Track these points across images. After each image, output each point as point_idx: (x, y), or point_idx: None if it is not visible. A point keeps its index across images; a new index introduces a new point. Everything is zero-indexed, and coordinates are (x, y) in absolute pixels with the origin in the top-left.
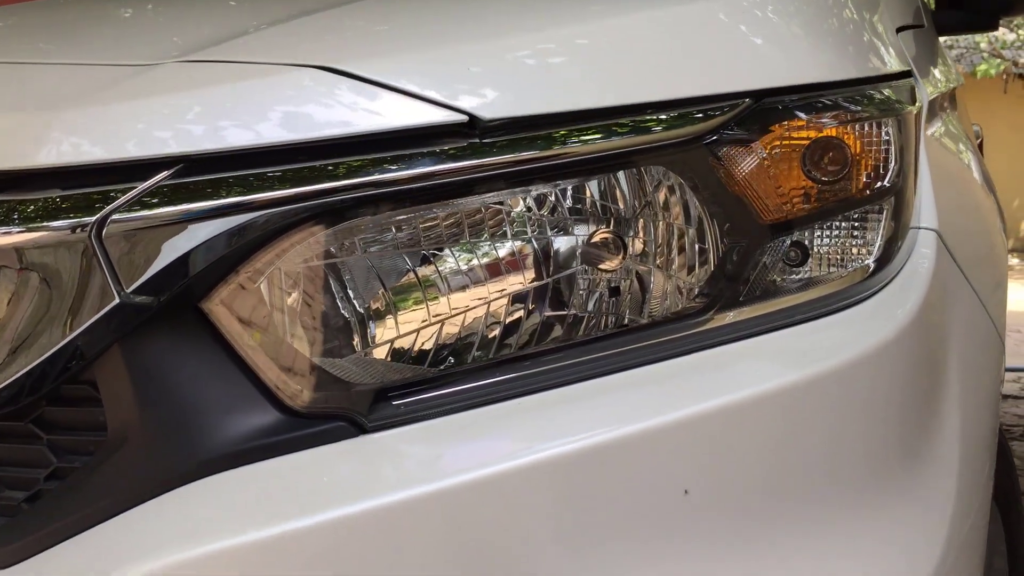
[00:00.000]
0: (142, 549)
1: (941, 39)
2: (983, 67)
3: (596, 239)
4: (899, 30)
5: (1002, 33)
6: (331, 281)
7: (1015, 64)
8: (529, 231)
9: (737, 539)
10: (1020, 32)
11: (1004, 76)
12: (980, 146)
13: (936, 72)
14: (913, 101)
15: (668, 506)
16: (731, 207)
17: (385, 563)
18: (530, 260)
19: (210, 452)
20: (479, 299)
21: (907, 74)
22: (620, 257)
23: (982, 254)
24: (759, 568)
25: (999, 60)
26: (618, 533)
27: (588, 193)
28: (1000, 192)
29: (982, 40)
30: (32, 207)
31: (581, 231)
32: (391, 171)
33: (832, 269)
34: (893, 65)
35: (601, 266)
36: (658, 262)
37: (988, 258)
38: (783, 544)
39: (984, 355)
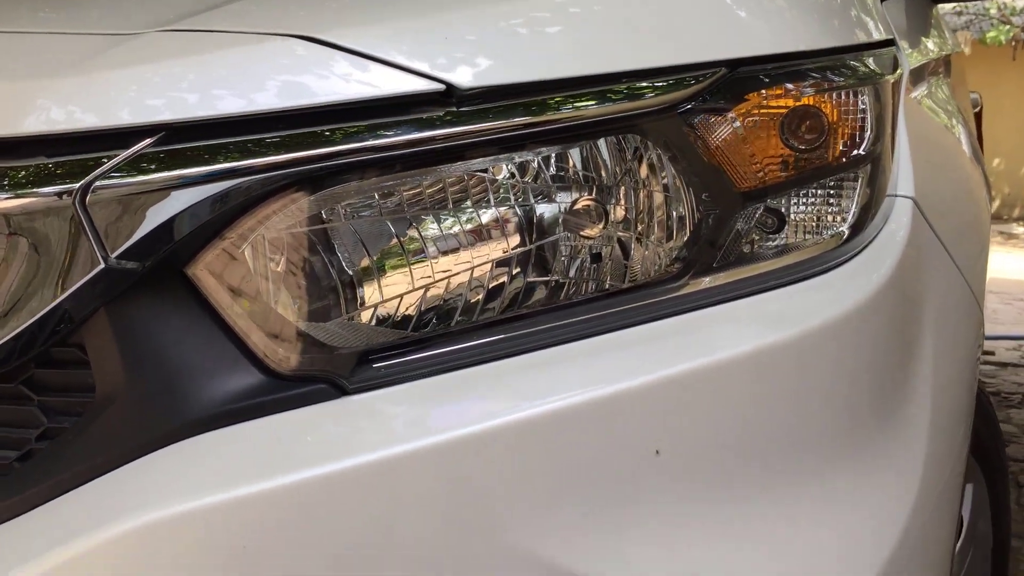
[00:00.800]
0: (131, 505)
1: (946, 5)
2: (992, 34)
3: (577, 207)
4: None
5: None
6: (314, 247)
7: None
8: (512, 198)
9: (709, 501)
10: None
11: (1013, 43)
12: (979, 114)
13: (925, 40)
14: (893, 70)
15: (642, 466)
16: (707, 175)
17: (368, 519)
18: (512, 226)
19: (195, 413)
20: (463, 264)
21: (889, 43)
22: (601, 224)
23: (962, 222)
24: (731, 530)
25: (1008, 27)
26: (597, 492)
27: (569, 162)
28: (1008, 159)
29: (992, 6)
30: (22, 173)
31: (562, 198)
32: (368, 139)
33: (807, 236)
34: (874, 34)
35: (582, 233)
36: (638, 229)
37: (969, 226)
38: (755, 506)
39: (961, 322)
